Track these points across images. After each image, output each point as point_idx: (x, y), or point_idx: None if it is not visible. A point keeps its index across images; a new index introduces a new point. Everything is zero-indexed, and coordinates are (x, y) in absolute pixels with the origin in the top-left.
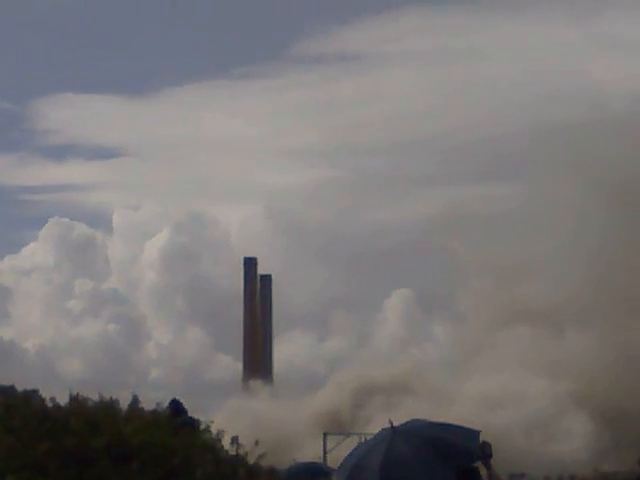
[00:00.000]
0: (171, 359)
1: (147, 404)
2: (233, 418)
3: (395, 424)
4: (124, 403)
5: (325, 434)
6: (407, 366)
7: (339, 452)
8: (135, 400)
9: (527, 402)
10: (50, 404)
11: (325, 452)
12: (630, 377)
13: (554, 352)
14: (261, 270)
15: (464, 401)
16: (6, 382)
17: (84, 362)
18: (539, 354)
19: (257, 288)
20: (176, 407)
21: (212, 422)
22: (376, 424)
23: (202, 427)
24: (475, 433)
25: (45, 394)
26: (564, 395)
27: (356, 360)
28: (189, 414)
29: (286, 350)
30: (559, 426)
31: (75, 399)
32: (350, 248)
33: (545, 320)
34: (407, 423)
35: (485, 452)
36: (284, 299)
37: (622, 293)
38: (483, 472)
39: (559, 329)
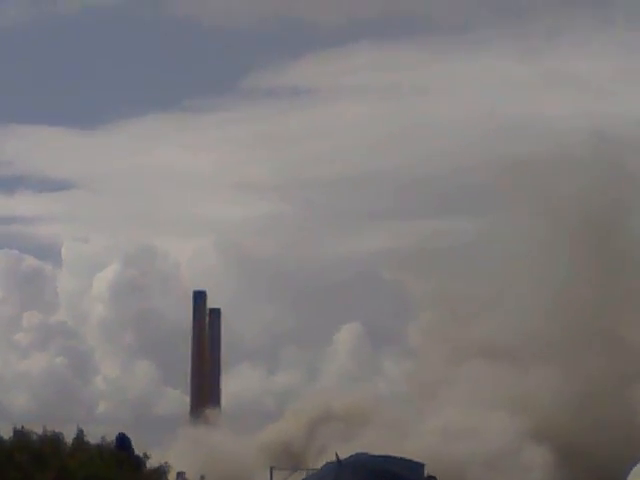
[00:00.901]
0: (119, 393)
1: (94, 438)
2: (182, 452)
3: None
4: (71, 437)
5: (272, 468)
6: (363, 397)
7: None
8: (80, 434)
9: (486, 436)
10: None
11: None
12: (590, 412)
13: (513, 387)
14: (210, 304)
15: (421, 434)
16: None
17: (31, 395)
18: (498, 389)
19: (206, 321)
20: (123, 441)
21: (149, 456)
22: (330, 455)
23: (149, 462)
24: (420, 466)
25: None
26: (523, 429)
27: (306, 394)
28: (137, 447)
29: (235, 384)
30: (518, 460)
31: (19, 433)
32: (300, 282)
33: (504, 356)
34: (352, 456)
35: None
36: (233, 333)
37: (584, 329)
38: None
39: (519, 365)
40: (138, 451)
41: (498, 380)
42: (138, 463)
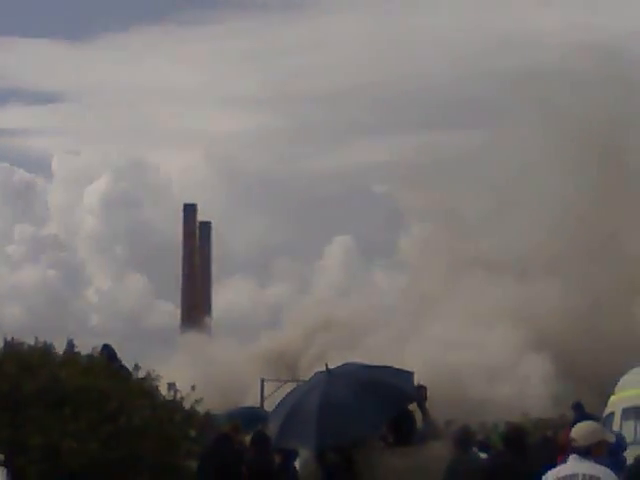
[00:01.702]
0: (111, 305)
1: (87, 350)
2: (173, 364)
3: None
4: (62, 349)
5: (262, 380)
6: (359, 308)
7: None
8: (70, 345)
9: (485, 347)
10: None
11: (262, 398)
12: (592, 324)
13: (514, 300)
14: (201, 217)
15: (420, 344)
16: None
17: (23, 308)
18: (498, 301)
19: (196, 235)
20: (108, 352)
21: (153, 370)
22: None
23: (140, 373)
24: (410, 375)
25: None
26: (524, 341)
27: (300, 305)
28: (128, 359)
29: (226, 296)
30: (517, 370)
31: (9, 344)
32: (291, 195)
33: (504, 269)
34: (342, 366)
35: (420, 395)
36: (224, 246)
37: (587, 243)
38: (417, 415)
39: (520, 278)
40: (128, 363)
41: (498, 293)
42: (128, 374)
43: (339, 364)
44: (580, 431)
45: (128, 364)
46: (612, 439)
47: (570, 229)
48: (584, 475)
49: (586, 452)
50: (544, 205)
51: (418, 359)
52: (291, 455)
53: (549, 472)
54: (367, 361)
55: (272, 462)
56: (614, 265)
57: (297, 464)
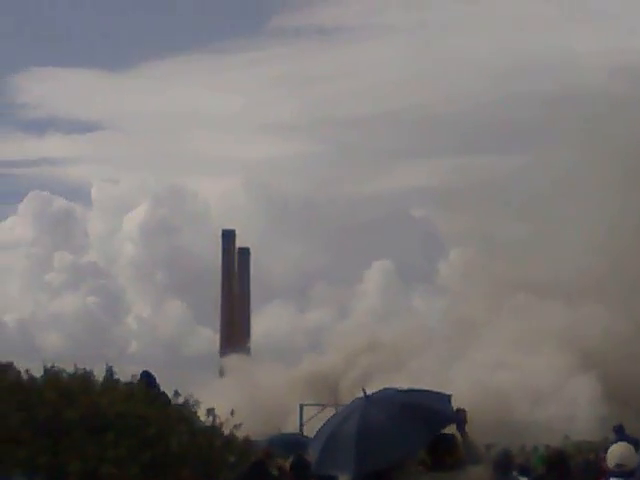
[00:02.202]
0: (151, 332)
1: (126, 377)
2: (213, 390)
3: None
4: (101, 376)
5: (301, 405)
6: (402, 332)
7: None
8: (110, 372)
9: (531, 371)
10: (25, 376)
11: (302, 424)
12: (638, 347)
13: (560, 323)
14: (239, 243)
15: (465, 368)
16: None
17: (63, 335)
18: (543, 325)
19: (235, 261)
20: (148, 379)
21: (191, 395)
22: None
23: (179, 399)
24: (447, 397)
25: (21, 367)
26: (570, 365)
27: (341, 330)
28: (168, 385)
29: (265, 322)
30: (564, 393)
31: (49, 371)
32: (329, 221)
33: (547, 292)
34: (380, 391)
35: (460, 418)
36: (263, 272)
37: (635, 267)
38: (458, 439)
39: (564, 301)
40: (168, 389)
41: (543, 316)
42: (167, 400)
43: (379, 388)
44: (621, 454)
45: (168, 390)
46: None
47: (615, 252)
48: None
49: (628, 474)
50: (589, 228)
51: (463, 382)
52: None
53: None
54: (410, 385)
55: None
56: None
57: None
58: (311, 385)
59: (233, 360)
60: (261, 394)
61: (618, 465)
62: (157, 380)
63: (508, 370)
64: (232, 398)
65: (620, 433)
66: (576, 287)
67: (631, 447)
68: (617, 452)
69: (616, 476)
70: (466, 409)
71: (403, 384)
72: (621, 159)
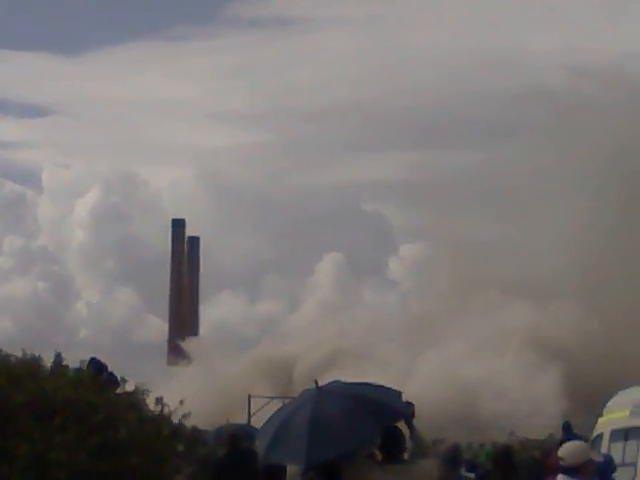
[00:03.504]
0: (100, 319)
1: (74, 363)
2: (160, 378)
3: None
4: (50, 362)
5: (250, 396)
6: (365, 321)
7: (263, 415)
8: (58, 358)
9: (497, 367)
10: None
11: (249, 414)
12: (608, 347)
13: (527, 321)
14: (190, 232)
15: (426, 364)
16: None
17: (13, 320)
18: (509, 323)
19: (184, 250)
20: (96, 365)
21: (142, 383)
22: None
23: (128, 387)
24: (397, 393)
25: None
26: (536, 363)
27: (286, 324)
28: (119, 374)
29: (215, 312)
30: (526, 391)
31: None
32: (281, 212)
33: (515, 291)
34: (331, 383)
35: (409, 412)
36: (213, 262)
37: (606, 268)
38: (405, 433)
39: (532, 300)
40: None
41: (509, 314)
42: (116, 383)
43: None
44: (567, 450)
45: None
46: (599, 458)
47: (584, 250)
48: None
49: (574, 471)
50: (558, 226)
51: (427, 375)
52: (281, 472)
53: None
54: (375, 376)
55: (259, 478)
56: (633, 291)
57: None
58: (258, 377)
59: (179, 352)
60: (208, 385)
61: (561, 459)
62: (106, 366)
63: (471, 365)
64: (180, 388)
65: (567, 431)
66: (543, 285)
67: (581, 444)
68: (563, 448)
69: (562, 472)
70: (414, 403)
71: (366, 375)
72: (589, 156)
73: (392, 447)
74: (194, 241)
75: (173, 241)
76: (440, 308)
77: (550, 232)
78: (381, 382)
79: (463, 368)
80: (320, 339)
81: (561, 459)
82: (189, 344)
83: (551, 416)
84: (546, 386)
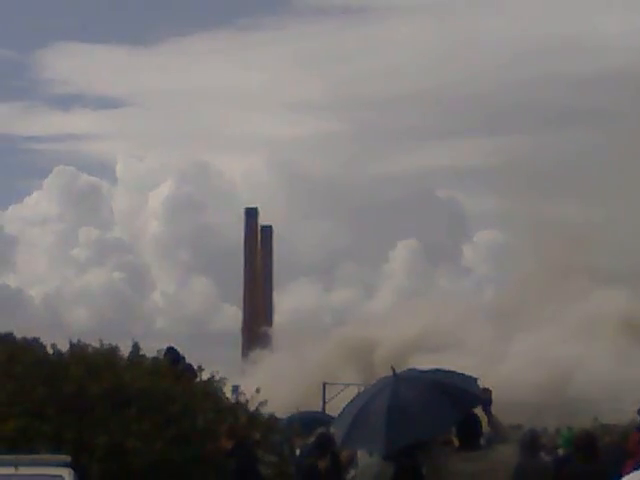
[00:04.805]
0: (177, 308)
1: (151, 352)
2: (237, 368)
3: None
4: (127, 351)
5: (324, 384)
6: (451, 308)
7: (338, 402)
8: (135, 347)
9: (590, 353)
10: (51, 351)
11: (324, 402)
12: None
13: (620, 308)
14: (262, 221)
15: (514, 354)
16: (12, 330)
17: (90, 310)
18: (601, 310)
19: (258, 239)
20: (173, 354)
21: (217, 372)
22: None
23: (203, 375)
24: (474, 379)
25: (47, 342)
26: (630, 349)
27: (361, 312)
28: (192, 361)
29: (289, 300)
30: (619, 378)
31: (75, 346)
32: (354, 200)
33: (608, 278)
34: (408, 371)
35: (486, 398)
36: (286, 250)
37: None
38: (483, 420)
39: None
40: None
41: (602, 300)
42: (193, 373)
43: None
44: None
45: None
46: None
47: None
48: None
49: None
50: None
51: (517, 361)
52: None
53: (630, 474)
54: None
55: (338, 463)
56: None
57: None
58: (334, 366)
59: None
60: (284, 374)
61: None
62: (182, 355)
63: (563, 350)
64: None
65: None
66: (635, 271)
67: None
68: None
69: None
70: (491, 389)
71: (451, 360)
72: None
73: (469, 433)
74: (267, 230)
75: (246, 230)
76: (529, 294)
77: (636, 217)
78: (469, 367)
79: (555, 352)
80: (402, 324)
81: None
82: (265, 332)
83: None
84: (638, 371)
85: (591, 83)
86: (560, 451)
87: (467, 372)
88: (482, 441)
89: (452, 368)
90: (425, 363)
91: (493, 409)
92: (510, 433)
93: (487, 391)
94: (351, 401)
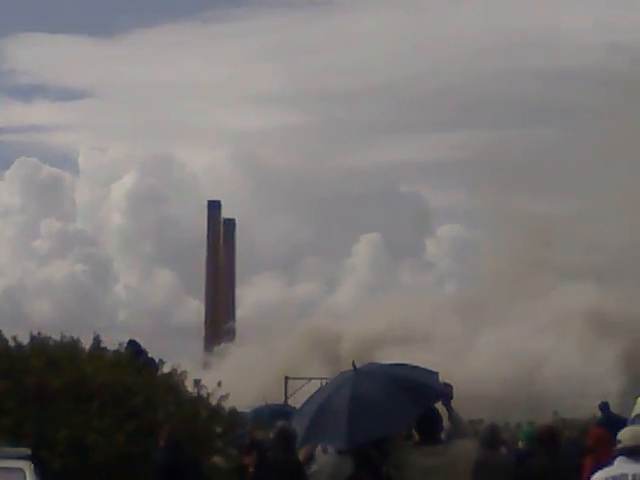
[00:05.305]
0: (139, 301)
1: (113, 346)
2: (198, 362)
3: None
4: (89, 344)
5: (287, 378)
6: (415, 302)
7: (301, 396)
8: (97, 340)
9: (557, 346)
10: (12, 343)
11: (286, 396)
12: None
13: (587, 304)
14: (225, 214)
15: (479, 350)
16: None
17: (52, 303)
18: (569, 305)
19: (220, 232)
20: (134, 347)
21: (179, 365)
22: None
23: (165, 369)
24: (435, 374)
25: (8, 334)
26: (596, 343)
27: (324, 305)
28: (154, 357)
29: (252, 294)
30: (585, 371)
31: (36, 338)
32: (318, 194)
33: (574, 272)
34: (368, 365)
35: (447, 393)
36: (249, 244)
37: None
38: (444, 415)
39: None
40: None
41: (568, 295)
42: (155, 367)
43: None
44: (628, 433)
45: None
46: None
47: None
48: (634, 475)
49: (633, 452)
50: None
51: (483, 355)
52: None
53: (597, 473)
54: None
55: (296, 458)
56: None
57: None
58: (295, 360)
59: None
60: (246, 367)
61: (627, 444)
62: (144, 348)
63: (531, 345)
64: (218, 371)
65: (605, 411)
66: (603, 267)
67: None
68: (628, 431)
69: (625, 455)
70: (452, 384)
71: (416, 355)
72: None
73: (429, 428)
74: (230, 223)
75: (209, 223)
76: (496, 289)
77: (604, 212)
78: (436, 361)
79: (522, 347)
80: (368, 318)
81: (620, 441)
82: (229, 326)
83: (606, 395)
84: (605, 366)
85: (558, 77)
86: (520, 445)
87: (434, 366)
88: (443, 436)
89: (419, 362)
90: (392, 356)
91: (454, 404)
92: (470, 428)
93: (448, 386)
94: (311, 396)
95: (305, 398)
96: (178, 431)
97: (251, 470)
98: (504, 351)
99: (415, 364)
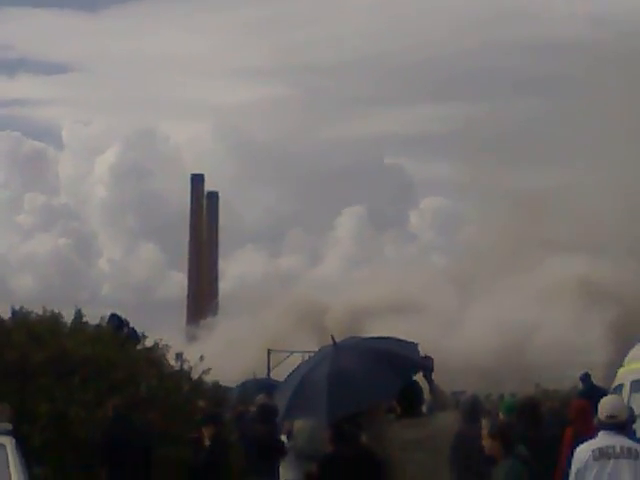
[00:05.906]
0: (123, 275)
1: (96, 320)
2: (181, 336)
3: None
4: (71, 318)
5: (269, 350)
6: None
7: (285, 369)
8: (78, 314)
9: (547, 317)
10: None
11: (269, 369)
12: None
13: (577, 275)
14: (208, 187)
15: (470, 321)
16: None
17: (35, 277)
18: (559, 276)
19: (203, 205)
20: (116, 321)
21: (161, 339)
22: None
23: (148, 342)
24: (414, 345)
25: None
26: (586, 313)
27: (309, 278)
28: (137, 328)
29: (236, 268)
30: (576, 341)
31: (17, 312)
32: (301, 167)
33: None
34: (348, 339)
35: (428, 365)
36: (233, 217)
37: None
38: (424, 387)
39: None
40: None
41: (560, 267)
42: (137, 339)
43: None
44: (608, 404)
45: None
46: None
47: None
48: (622, 447)
49: (621, 427)
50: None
51: (473, 326)
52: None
53: (581, 446)
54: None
55: (275, 432)
56: None
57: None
58: (279, 332)
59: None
60: (229, 341)
61: (610, 417)
62: (127, 321)
63: (521, 315)
64: (201, 344)
65: (586, 382)
66: (594, 238)
67: (621, 398)
68: (609, 403)
69: (608, 428)
70: (432, 356)
71: (410, 326)
72: (621, 107)
73: (410, 400)
74: (213, 196)
75: (192, 196)
76: (485, 260)
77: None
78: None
79: (512, 318)
80: (355, 290)
81: (613, 417)
82: (213, 299)
83: (593, 365)
84: (594, 336)
85: (543, 50)
86: (501, 417)
87: (424, 338)
88: (424, 409)
89: (408, 333)
90: (380, 329)
91: (439, 376)
92: (452, 400)
93: (428, 358)
94: (293, 371)
95: (289, 371)
96: (158, 406)
97: (207, 443)
98: (494, 322)
99: (403, 336)
